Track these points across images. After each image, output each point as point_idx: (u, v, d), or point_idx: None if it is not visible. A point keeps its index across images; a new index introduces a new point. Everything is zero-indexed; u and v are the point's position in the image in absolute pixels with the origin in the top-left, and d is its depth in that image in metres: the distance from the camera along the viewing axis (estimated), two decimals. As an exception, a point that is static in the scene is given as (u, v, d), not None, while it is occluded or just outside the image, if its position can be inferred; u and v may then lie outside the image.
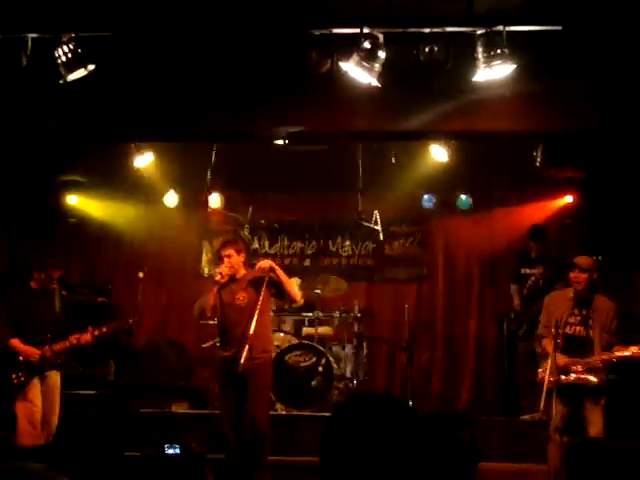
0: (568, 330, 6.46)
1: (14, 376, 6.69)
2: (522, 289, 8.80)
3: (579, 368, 6.34)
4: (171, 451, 3.72)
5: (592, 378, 6.31)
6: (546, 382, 6.16)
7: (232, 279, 6.71)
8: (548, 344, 6.43)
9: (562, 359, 6.33)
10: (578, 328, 6.47)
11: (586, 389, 6.35)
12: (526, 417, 8.14)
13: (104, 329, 6.95)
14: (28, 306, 6.87)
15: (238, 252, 6.74)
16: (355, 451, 1.61)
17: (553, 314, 6.51)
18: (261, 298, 6.50)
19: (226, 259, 6.69)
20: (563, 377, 6.31)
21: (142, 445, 6.55)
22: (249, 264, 6.99)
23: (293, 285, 6.99)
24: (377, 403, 1.70)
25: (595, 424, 6.32)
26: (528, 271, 8.78)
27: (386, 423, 1.65)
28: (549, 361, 6.24)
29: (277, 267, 6.70)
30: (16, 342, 6.75)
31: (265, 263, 6.71)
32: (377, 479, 1.58)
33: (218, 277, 6.61)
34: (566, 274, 7.74)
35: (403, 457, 1.60)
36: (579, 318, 6.48)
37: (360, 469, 1.59)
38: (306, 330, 9.03)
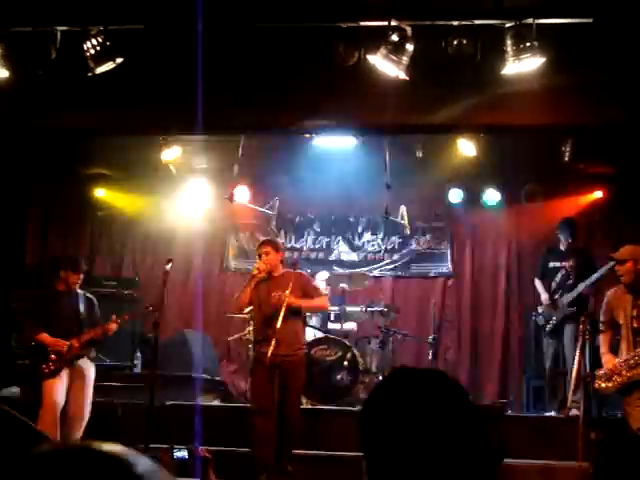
0: (635, 324, 6.20)
1: (44, 366, 6.85)
2: (550, 283, 8.67)
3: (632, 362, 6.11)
4: (179, 454, 3.84)
5: None
6: (574, 378, 6.10)
7: (270, 277, 6.89)
8: (603, 342, 6.31)
9: (611, 362, 6.16)
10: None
11: None
12: (552, 414, 8.09)
13: (125, 317, 7.24)
14: (55, 308, 7.11)
15: (276, 250, 6.93)
16: (397, 425, 1.60)
17: (615, 311, 6.30)
18: (288, 294, 6.63)
19: (264, 256, 6.87)
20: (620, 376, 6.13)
21: (168, 438, 6.60)
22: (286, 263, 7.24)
23: (316, 301, 7.09)
24: (424, 377, 1.68)
25: None
26: (558, 264, 8.61)
27: (433, 398, 1.63)
28: (578, 357, 6.18)
29: (296, 301, 6.76)
30: (44, 336, 6.95)
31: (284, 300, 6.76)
32: (414, 456, 1.57)
33: (255, 272, 6.87)
34: (596, 267, 7.69)
35: (443, 436, 1.58)
36: (638, 310, 6.20)
37: (401, 444, 1.58)
38: (331, 325, 9.01)
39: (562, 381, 8.19)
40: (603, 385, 6.16)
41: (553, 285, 8.57)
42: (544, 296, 8.59)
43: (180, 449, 3.88)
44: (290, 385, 6.70)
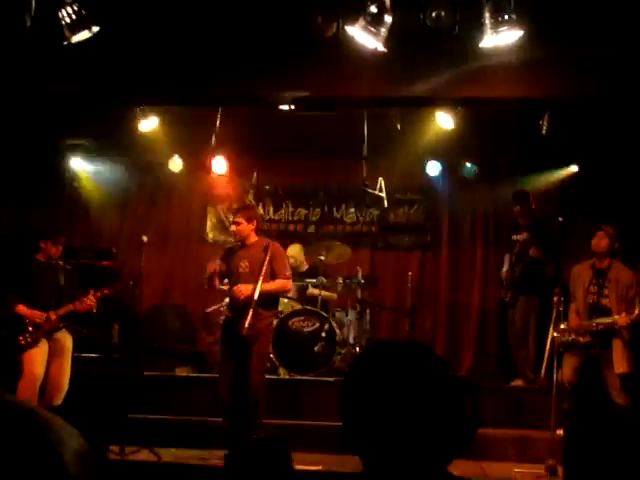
0: (589, 299, 6.81)
1: (21, 338, 6.81)
2: (511, 256, 8.73)
3: (597, 327, 6.65)
4: None
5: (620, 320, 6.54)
6: (548, 346, 6.28)
7: (243, 245, 6.89)
8: (570, 311, 6.84)
9: (575, 321, 6.74)
10: (596, 297, 6.78)
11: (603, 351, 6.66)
12: (519, 383, 8.21)
13: (105, 291, 7.14)
14: (34, 279, 7.05)
15: (248, 220, 6.85)
16: (376, 398, 1.64)
17: (575, 285, 6.91)
18: (265, 267, 6.67)
19: (234, 226, 6.88)
20: (581, 339, 6.68)
21: (145, 408, 6.64)
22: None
23: (274, 285, 6.88)
24: (401, 350, 1.72)
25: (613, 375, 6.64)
26: (516, 237, 8.70)
27: (410, 369, 1.66)
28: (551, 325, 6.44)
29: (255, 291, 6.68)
30: (22, 307, 6.90)
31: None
32: (392, 426, 1.61)
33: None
34: (551, 239, 7.92)
35: (420, 406, 1.62)
36: (596, 287, 6.80)
37: (380, 416, 1.62)
38: (310, 290, 9.03)
39: (522, 351, 8.37)
40: (580, 339, 6.70)
41: (512, 258, 8.67)
42: (503, 269, 8.74)
43: None
44: (255, 352, 6.68)
